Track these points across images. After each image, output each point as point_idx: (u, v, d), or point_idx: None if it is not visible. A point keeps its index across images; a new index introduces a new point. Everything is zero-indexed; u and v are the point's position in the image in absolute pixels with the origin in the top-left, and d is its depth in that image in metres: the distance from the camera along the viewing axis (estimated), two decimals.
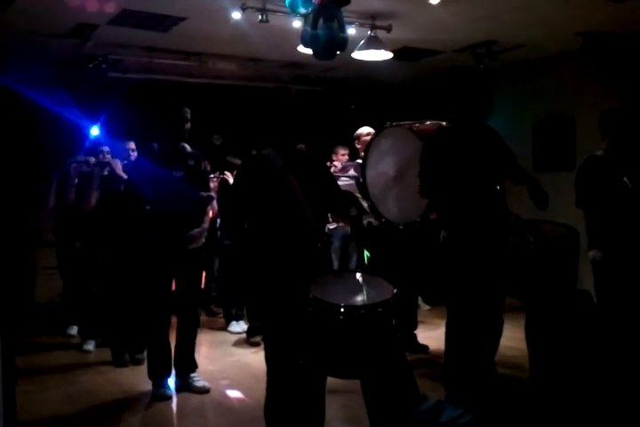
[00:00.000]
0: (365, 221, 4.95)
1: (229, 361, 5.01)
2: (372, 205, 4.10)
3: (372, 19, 5.31)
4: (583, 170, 4.05)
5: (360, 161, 5.00)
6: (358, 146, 5.26)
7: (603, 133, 4.07)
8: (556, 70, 6.60)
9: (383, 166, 3.99)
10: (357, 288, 2.87)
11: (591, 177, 3.99)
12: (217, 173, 5.52)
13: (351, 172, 5.24)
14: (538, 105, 6.89)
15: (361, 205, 4.71)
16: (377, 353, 2.55)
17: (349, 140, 5.53)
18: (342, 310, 2.55)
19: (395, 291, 2.66)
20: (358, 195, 4.70)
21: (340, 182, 5.15)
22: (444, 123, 3.79)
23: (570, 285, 3.36)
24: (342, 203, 3.34)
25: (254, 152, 3.46)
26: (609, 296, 3.88)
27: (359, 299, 2.76)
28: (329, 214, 3.92)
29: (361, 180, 4.54)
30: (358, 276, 3.09)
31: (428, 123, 4.07)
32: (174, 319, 4.33)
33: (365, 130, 5.18)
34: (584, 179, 4.03)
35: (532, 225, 3.55)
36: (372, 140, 4.17)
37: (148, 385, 4.23)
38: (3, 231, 2.26)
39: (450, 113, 3.62)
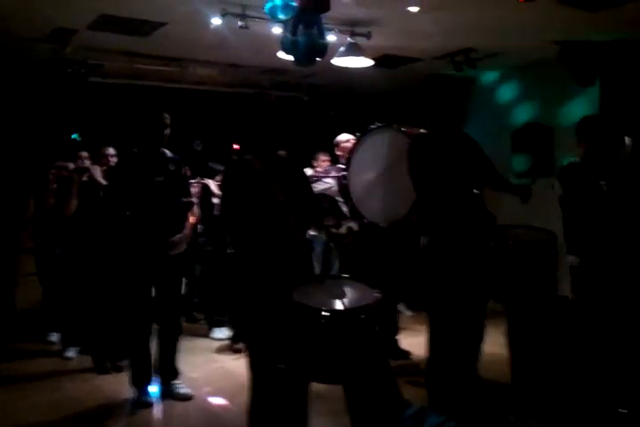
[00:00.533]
0: (344, 227, 4.97)
1: (212, 368, 4.99)
2: (352, 207, 4.11)
3: (351, 26, 5.35)
4: (561, 176, 4.11)
5: (340, 166, 5.03)
6: (338, 152, 5.29)
7: (579, 140, 4.12)
8: (535, 78, 6.69)
9: (368, 166, 4.00)
10: (339, 293, 2.89)
11: (568, 183, 4.04)
12: (198, 179, 5.52)
13: (332, 174, 5.26)
14: (516, 112, 6.97)
15: (340, 211, 4.74)
16: (359, 358, 2.57)
17: (329, 146, 5.55)
18: (324, 313, 2.57)
19: (376, 296, 2.68)
20: (339, 198, 4.72)
21: (321, 186, 5.20)
22: (422, 130, 3.83)
23: (550, 288, 3.40)
24: (317, 211, 3.37)
25: (235, 158, 3.47)
26: (587, 301, 3.92)
27: (341, 303, 2.78)
28: None
29: (343, 181, 4.55)
30: (340, 281, 3.12)
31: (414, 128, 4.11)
32: (156, 326, 4.32)
33: (344, 137, 5.21)
34: (562, 185, 4.08)
35: (512, 229, 3.59)
36: (357, 141, 4.19)
37: (130, 392, 4.20)
38: None
39: (428, 121, 3.66)
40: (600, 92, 5.92)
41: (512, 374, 3.55)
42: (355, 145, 4.21)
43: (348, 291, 2.92)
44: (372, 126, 4.12)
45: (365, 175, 4.04)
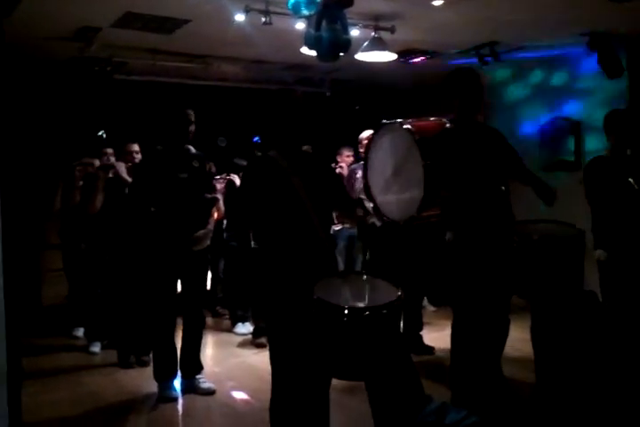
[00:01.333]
0: (370, 222, 4.97)
1: (235, 363, 5.01)
2: (374, 206, 4.11)
3: (375, 20, 5.31)
4: (588, 171, 4.05)
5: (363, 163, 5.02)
6: (361, 149, 5.29)
7: (607, 134, 4.06)
8: (562, 71, 6.59)
9: (381, 165, 3.99)
10: (361, 290, 2.88)
11: (596, 178, 3.98)
12: (224, 175, 5.54)
13: (358, 174, 5.24)
14: (544, 106, 6.88)
15: (365, 208, 4.73)
16: (381, 355, 2.55)
17: (354, 142, 5.54)
18: (346, 311, 2.55)
19: (399, 293, 2.66)
20: (363, 196, 4.71)
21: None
22: (444, 120, 3.79)
23: (576, 284, 3.35)
24: (348, 203, 3.36)
25: (259, 154, 3.48)
26: (614, 296, 3.87)
27: (363, 301, 2.77)
28: (334, 215, 3.93)
29: (363, 180, 4.55)
30: (363, 278, 3.10)
31: (432, 119, 4.07)
32: (180, 321, 4.34)
33: (365, 134, 5.19)
34: (589, 179, 4.02)
35: (538, 224, 3.55)
36: (370, 139, 4.18)
37: (153, 387, 4.24)
38: (11, 234, 2.27)
39: (454, 115, 3.63)
40: (628, 84, 5.82)
41: (536, 369, 3.51)
42: (368, 143, 4.19)
43: (371, 288, 2.90)
44: (382, 123, 4.10)
45: (382, 173, 4.03)
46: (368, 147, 4.24)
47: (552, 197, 3.47)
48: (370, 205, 4.47)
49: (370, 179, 4.14)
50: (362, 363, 2.56)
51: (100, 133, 7.28)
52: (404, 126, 3.73)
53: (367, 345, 2.54)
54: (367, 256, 5.73)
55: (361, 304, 2.69)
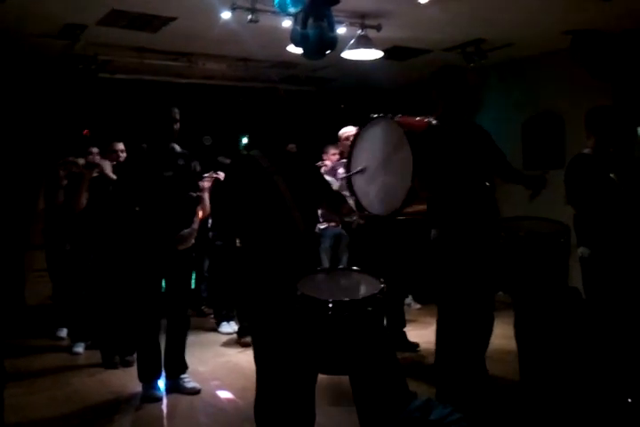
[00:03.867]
0: (353, 222, 4.95)
1: (220, 362, 4.99)
2: (357, 202, 4.10)
3: (361, 18, 5.31)
4: (571, 168, 4.06)
5: (344, 161, 5.01)
6: (340, 148, 5.29)
7: (588, 131, 4.08)
8: (546, 68, 6.63)
9: (366, 159, 3.99)
10: (345, 285, 2.88)
11: (578, 175, 4.00)
12: (211, 173, 5.52)
13: (340, 170, 5.23)
14: (527, 103, 6.92)
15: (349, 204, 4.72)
16: (366, 349, 2.55)
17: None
18: (330, 305, 2.55)
19: (382, 286, 2.66)
20: (346, 192, 4.71)
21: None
22: (432, 119, 3.80)
23: (561, 281, 3.36)
24: (337, 199, 3.35)
25: (244, 153, 3.46)
26: (597, 293, 3.89)
27: (347, 294, 2.76)
28: (319, 214, 3.92)
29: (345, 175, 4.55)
30: (346, 273, 3.11)
31: (417, 118, 4.08)
32: (164, 321, 4.31)
33: (345, 130, 5.17)
34: (572, 177, 4.03)
35: (524, 221, 3.55)
36: (357, 134, 4.17)
37: (138, 387, 4.20)
38: None
39: (439, 112, 3.63)
40: (612, 82, 5.85)
41: (520, 366, 3.52)
42: (354, 139, 4.19)
43: (354, 282, 2.90)
44: (369, 118, 4.10)
45: (366, 167, 4.03)
46: (354, 142, 4.24)
47: (540, 185, 3.49)
48: (352, 200, 4.47)
49: (352, 172, 4.14)
50: (346, 357, 2.56)
51: (84, 132, 7.24)
52: (393, 120, 3.73)
53: (352, 339, 2.54)
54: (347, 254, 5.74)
55: (344, 298, 2.69)
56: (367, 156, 3.99)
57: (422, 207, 3.68)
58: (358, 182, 4.07)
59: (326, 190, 3.36)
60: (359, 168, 3.87)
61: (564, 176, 4.08)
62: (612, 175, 3.81)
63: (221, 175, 5.48)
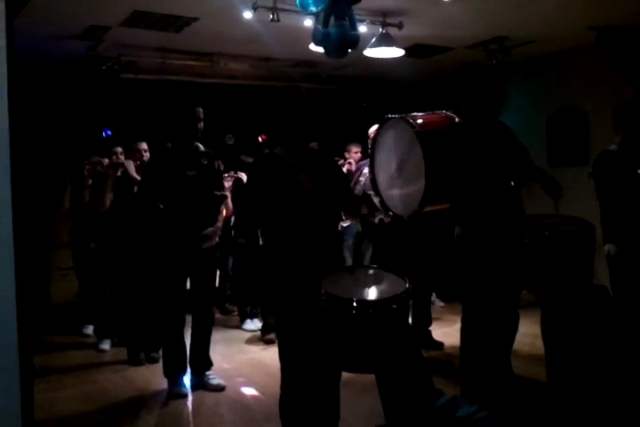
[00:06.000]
0: (377, 218, 4.96)
1: (244, 359, 5.02)
2: (381, 201, 4.11)
3: (383, 16, 5.30)
4: (597, 164, 4.03)
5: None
6: (370, 146, 5.27)
7: (616, 127, 4.04)
8: (569, 65, 6.57)
9: (386, 160, 3.99)
10: (369, 283, 2.88)
11: (605, 171, 3.96)
12: (231, 173, 5.55)
13: (365, 170, 5.24)
14: (551, 100, 6.86)
15: (372, 203, 4.73)
16: (391, 347, 2.55)
17: (362, 138, 5.53)
18: (355, 304, 2.56)
19: (407, 285, 2.66)
20: (371, 192, 4.71)
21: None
22: (453, 115, 3.79)
23: (586, 279, 3.33)
24: (352, 201, 3.36)
25: (267, 151, 3.48)
26: (625, 290, 3.85)
27: (371, 294, 2.77)
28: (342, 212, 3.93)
29: (370, 174, 4.55)
30: (370, 271, 3.11)
31: (442, 113, 4.06)
32: (189, 318, 4.35)
33: (374, 128, 5.17)
34: (598, 173, 4.00)
35: (548, 219, 3.53)
36: (375, 134, 4.17)
37: (163, 383, 4.25)
38: (21, 233, 2.28)
39: (462, 110, 3.62)
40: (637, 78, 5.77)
41: (546, 365, 3.49)
42: (374, 138, 4.19)
43: (379, 281, 2.90)
44: (387, 117, 4.09)
45: (387, 168, 4.03)
46: (374, 143, 4.24)
47: (558, 192, 3.46)
48: (377, 200, 4.47)
49: (377, 174, 4.14)
50: (371, 356, 2.56)
51: (105, 132, 7.31)
52: (406, 120, 3.73)
53: (376, 337, 2.54)
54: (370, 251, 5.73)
55: (369, 297, 2.69)
56: (386, 158, 4.00)
57: (445, 206, 3.68)
58: (381, 184, 4.08)
59: (346, 190, 3.36)
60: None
61: (588, 172, 4.06)
62: (639, 171, 3.77)
63: (243, 175, 5.52)
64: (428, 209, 3.75)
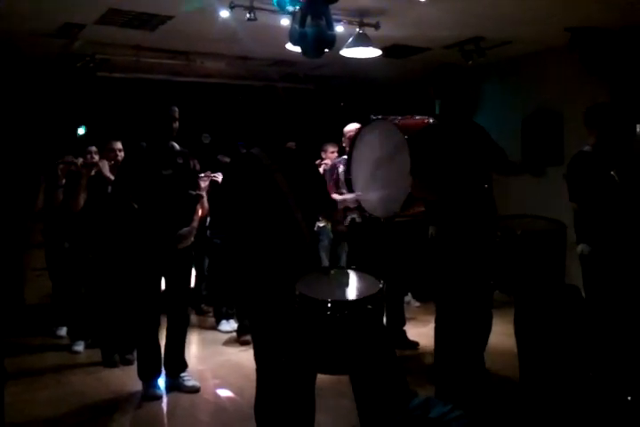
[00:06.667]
0: (349, 218, 4.95)
1: (220, 360, 4.99)
2: (357, 202, 4.11)
3: (359, 16, 5.31)
4: (572, 165, 4.07)
5: (346, 157, 5.00)
6: (344, 144, 5.26)
7: (589, 128, 4.07)
8: (545, 66, 6.62)
9: (366, 160, 3.99)
10: (344, 284, 2.88)
11: (579, 172, 4.00)
12: (208, 172, 5.51)
13: (340, 168, 5.24)
14: (526, 101, 6.92)
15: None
16: (365, 348, 2.55)
17: (339, 138, 5.53)
18: (329, 305, 2.55)
19: (381, 286, 2.66)
20: (344, 190, 4.72)
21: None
22: (431, 119, 3.80)
23: (558, 279, 3.36)
24: (328, 202, 3.36)
25: (244, 151, 3.46)
26: (597, 290, 3.89)
27: (346, 294, 2.77)
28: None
29: (346, 174, 4.53)
30: (344, 272, 3.11)
31: (417, 117, 4.07)
32: (164, 319, 4.31)
33: (350, 127, 5.16)
34: (573, 174, 4.04)
35: (520, 219, 3.56)
36: (356, 134, 4.16)
37: (138, 385, 4.21)
38: None
39: (438, 110, 3.63)
40: (611, 79, 5.84)
41: (519, 363, 3.53)
42: (354, 138, 4.18)
43: (353, 282, 2.91)
44: (371, 118, 4.09)
45: (365, 168, 4.03)
46: (353, 141, 4.24)
47: (539, 168, 3.49)
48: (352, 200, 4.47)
49: (353, 173, 4.15)
50: (346, 356, 2.56)
51: (80, 131, 7.23)
52: (394, 123, 3.73)
53: (351, 338, 2.54)
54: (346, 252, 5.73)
55: (344, 297, 2.69)
56: (367, 158, 4.00)
57: (422, 209, 3.70)
58: (357, 184, 4.08)
59: (321, 191, 3.35)
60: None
61: (563, 174, 4.09)
62: (612, 173, 3.81)
63: (219, 176, 5.48)
64: (408, 212, 3.76)
